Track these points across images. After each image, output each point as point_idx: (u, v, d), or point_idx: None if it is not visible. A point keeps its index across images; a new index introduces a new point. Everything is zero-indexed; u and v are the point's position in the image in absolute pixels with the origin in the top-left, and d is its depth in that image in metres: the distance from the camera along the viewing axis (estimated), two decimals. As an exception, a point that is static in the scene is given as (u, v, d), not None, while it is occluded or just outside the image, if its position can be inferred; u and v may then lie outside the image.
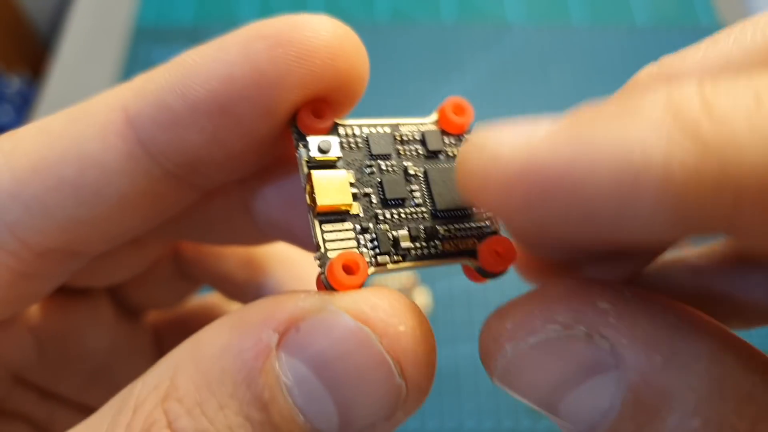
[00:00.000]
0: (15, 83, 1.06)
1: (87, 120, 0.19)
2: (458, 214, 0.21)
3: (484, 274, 0.20)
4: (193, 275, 0.31)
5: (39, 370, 0.27)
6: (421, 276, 0.63)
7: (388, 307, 0.17)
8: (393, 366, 0.16)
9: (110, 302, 0.29)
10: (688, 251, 0.26)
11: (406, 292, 0.62)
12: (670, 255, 0.26)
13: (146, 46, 0.79)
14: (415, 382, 0.17)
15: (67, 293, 0.27)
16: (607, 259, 0.23)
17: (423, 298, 0.62)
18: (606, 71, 0.78)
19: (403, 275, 0.62)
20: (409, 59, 0.78)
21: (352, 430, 0.17)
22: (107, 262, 0.26)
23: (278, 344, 0.16)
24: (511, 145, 0.14)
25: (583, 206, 0.14)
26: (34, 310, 0.26)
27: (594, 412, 0.16)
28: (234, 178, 0.22)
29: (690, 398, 0.15)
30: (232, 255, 0.30)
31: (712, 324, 0.16)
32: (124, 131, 0.19)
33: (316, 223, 0.19)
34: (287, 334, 0.16)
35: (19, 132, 0.20)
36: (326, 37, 0.18)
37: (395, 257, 0.19)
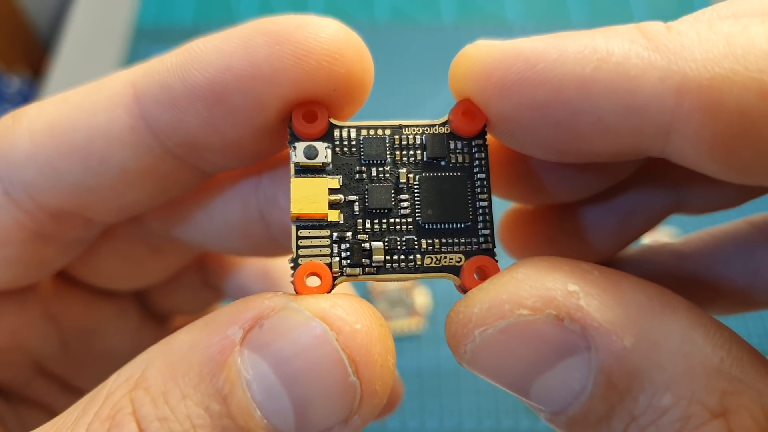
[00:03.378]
0: (15, 83, 1.07)
1: (100, 93, 0.20)
2: (449, 227, 0.20)
3: (465, 292, 0.19)
4: (216, 285, 0.32)
5: (62, 362, 0.28)
6: (421, 276, 0.63)
7: (347, 306, 0.17)
8: (347, 364, 0.17)
9: (137, 306, 0.30)
10: (673, 239, 0.27)
11: (406, 292, 0.62)
12: (655, 241, 0.26)
13: (146, 46, 0.79)
14: (369, 382, 0.17)
15: (93, 294, 0.28)
16: (579, 173, 0.23)
17: (423, 298, 0.62)
18: (606, 71, 0.78)
19: (403, 275, 0.62)
20: (409, 59, 0.78)
21: None
22: (130, 266, 0.27)
23: (242, 340, 0.17)
24: (499, 41, 0.18)
25: (548, 91, 0.17)
26: (58, 304, 0.27)
27: (566, 395, 0.16)
28: (233, 166, 0.23)
29: (660, 377, 0.15)
30: (251, 267, 0.31)
31: (681, 302, 0.16)
32: (131, 106, 0.20)
33: (293, 228, 0.19)
34: (251, 330, 0.17)
35: (45, 101, 0.21)
36: (325, 40, 0.19)
37: (368, 269, 0.19)
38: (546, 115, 0.17)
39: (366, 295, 0.62)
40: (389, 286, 0.62)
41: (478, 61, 0.18)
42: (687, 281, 0.26)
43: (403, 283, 0.62)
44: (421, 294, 0.62)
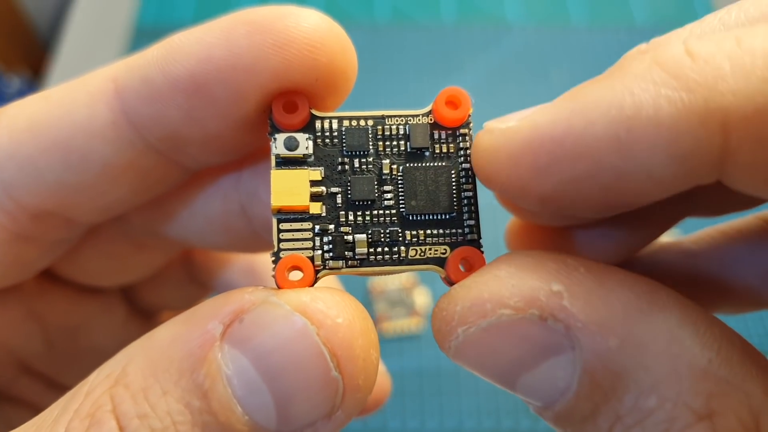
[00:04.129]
0: (15, 83, 1.07)
1: (81, 89, 0.20)
2: (433, 218, 0.20)
3: (451, 284, 0.19)
4: (202, 280, 0.31)
5: (47, 360, 0.27)
6: (421, 276, 0.63)
7: (329, 299, 0.17)
8: (329, 359, 0.16)
9: (123, 302, 0.30)
10: (683, 237, 0.26)
11: (406, 292, 0.62)
12: (666, 239, 0.26)
13: (146, 46, 0.79)
14: (352, 377, 0.17)
15: (78, 291, 0.28)
16: (624, 226, 0.22)
17: (423, 298, 0.62)
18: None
19: (402, 275, 0.62)
20: (409, 59, 0.78)
21: (292, 428, 0.17)
22: (114, 263, 0.27)
23: (222, 335, 0.17)
24: (516, 122, 0.17)
25: (587, 163, 0.16)
26: (42, 302, 0.26)
27: (551, 392, 0.16)
28: (216, 161, 0.23)
29: (645, 378, 0.15)
30: (236, 263, 0.31)
31: (671, 299, 0.16)
32: (111, 101, 0.20)
33: (274, 221, 0.19)
34: (232, 325, 0.17)
35: (26, 99, 0.21)
36: (307, 29, 0.18)
37: (351, 262, 0.19)
38: (591, 186, 0.16)
39: (365, 295, 0.62)
40: (389, 286, 0.62)
41: (501, 149, 0.17)
42: (698, 280, 0.25)
43: (402, 283, 0.62)
44: (421, 294, 0.62)
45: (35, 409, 0.28)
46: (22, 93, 1.04)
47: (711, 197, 0.23)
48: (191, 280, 0.31)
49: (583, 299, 0.16)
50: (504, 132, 0.17)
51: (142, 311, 0.31)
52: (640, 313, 0.16)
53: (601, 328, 0.15)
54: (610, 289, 0.16)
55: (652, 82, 0.15)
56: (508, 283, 0.16)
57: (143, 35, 0.79)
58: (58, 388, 0.29)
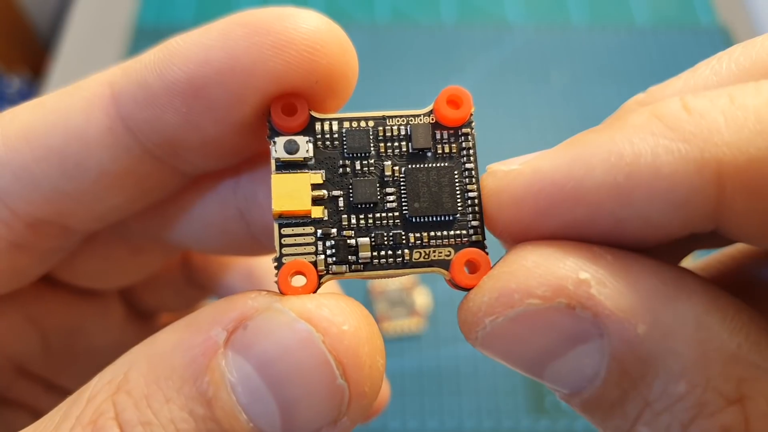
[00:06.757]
0: (15, 83, 1.07)
1: (77, 94, 0.20)
2: (437, 219, 0.19)
3: (456, 287, 0.19)
4: (201, 283, 0.31)
5: (45, 363, 0.27)
6: (422, 276, 0.63)
7: (334, 306, 0.17)
8: (335, 366, 0.16)
9: (121, 304, 0.30)
10: (692, 265, 0.26)
11: (406, 292, 0.62)
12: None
13: (146, 46, 0.78)
14: (358, 384, 0.17)
15: (76, 294, 0.28)
16: None
17: (423, 298, 0.62)
18: (606, 71, 0.78)
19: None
20: (409, 59, 0.78)
21: None
22: (111, 266, 0.27)
23: (226, 342, 0.16)
24: (519, 165, 0.17)
25: (586, 208, 0.16)
26: (39, 306, 0.26)
27: (579, 380, 0.16)
28: (214, 166, 0.23)
29: (675, 364, 0.15)
30: (235, 266, 0.31)
31: (698, 284, 0.16)
32: (108, 106, 0.19)
33: (276, 226, 0.19)
34: (235, 332, 0.17)
35: (20, 106, 0.21)
36: (306, 31, 0.18)
37: (354, 266, 0.19)
38: (590, 232, 0.17)
39: (365, 295, 0.62)
40: (389, 286, 0.62)
41: (504, 192, 0.18)
42: None
43: (403, 283, 0.62)
44: (421, 294, 0.62)
45: (33, 412, 0.27)
46: (22, 93, 1.05)
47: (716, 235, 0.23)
48: (190, 282, 0.31)
49: (610, 286, 0.16)
50: (507, 174, 0.17)
51: (140, 313, 0.31)
52: (667, 299, 0.16)
53: (628, 315, 0.15)
54: (636, 276, 0.16)
55: (651, 133, 0.15)
56: (536, 273, 0.16)
57: (143, 35, 0.79)
58: (56, 390, 0.28)
